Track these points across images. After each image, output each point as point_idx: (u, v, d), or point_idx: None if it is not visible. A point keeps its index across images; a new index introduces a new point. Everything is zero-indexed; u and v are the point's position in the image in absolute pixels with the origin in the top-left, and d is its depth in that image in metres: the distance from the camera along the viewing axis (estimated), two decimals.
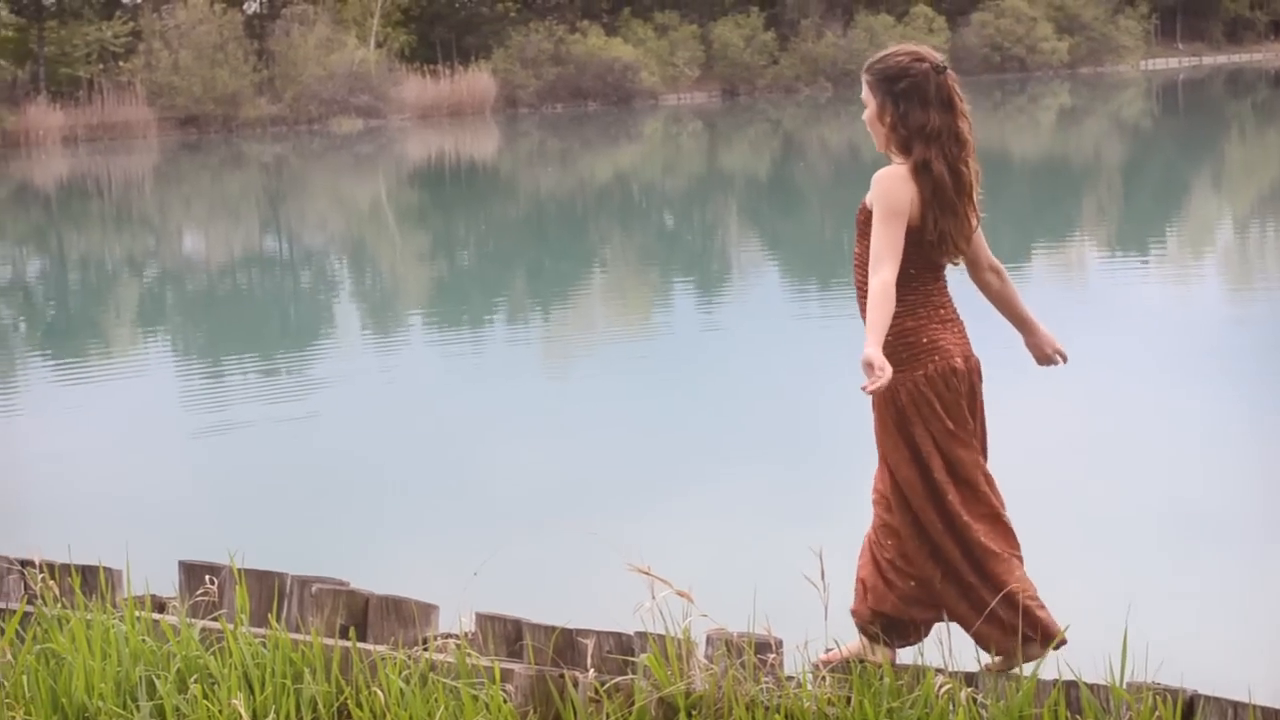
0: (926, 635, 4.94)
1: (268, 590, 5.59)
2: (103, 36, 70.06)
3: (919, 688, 4.66)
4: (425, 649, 5.20)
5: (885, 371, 4.45)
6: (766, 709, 4.71)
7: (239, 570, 5.59)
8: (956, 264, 4.94)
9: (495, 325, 18.73)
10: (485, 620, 5.25)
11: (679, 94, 74.16)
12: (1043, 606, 4.84)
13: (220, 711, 4.90)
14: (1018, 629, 4.76)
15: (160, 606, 5.78)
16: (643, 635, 5.02)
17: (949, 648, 4.90)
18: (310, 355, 17.58)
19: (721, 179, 40.06)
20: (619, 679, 4.91)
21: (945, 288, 4.88)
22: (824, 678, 4.82)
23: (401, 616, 5.37)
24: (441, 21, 76.47)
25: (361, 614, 5.43)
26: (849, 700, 4.68)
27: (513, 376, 14.98)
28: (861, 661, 4.84)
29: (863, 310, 4.78)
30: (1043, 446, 10.28)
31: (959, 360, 4.78)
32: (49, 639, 5.42)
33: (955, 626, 4.95)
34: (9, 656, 5.39)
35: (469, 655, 5.07)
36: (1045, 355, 5.15)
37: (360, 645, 5.21)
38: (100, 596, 5.72)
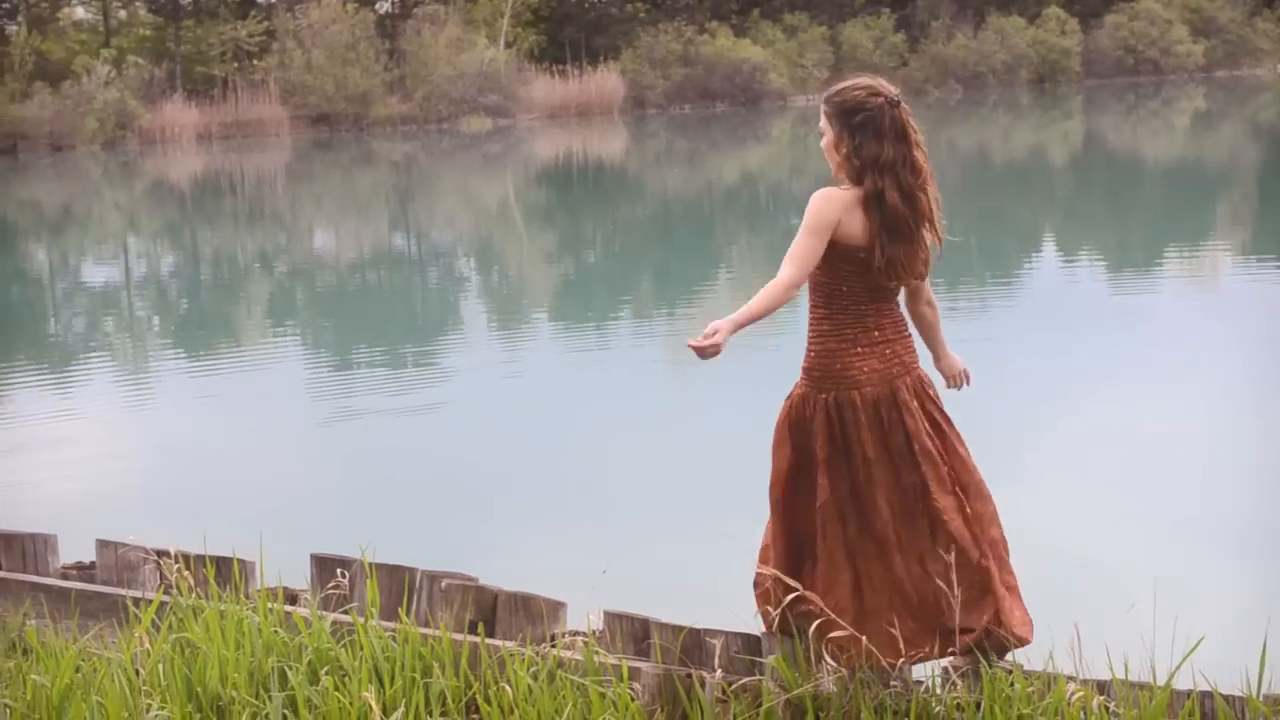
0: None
1: (398, 584, 5.64)
2: (237, 36, 71.01)
3: (1050, 695, 4.61)
4: (553, 646, 5.22)
5: (716, 338, 4.67)
6: (895, 713, 4.68)
7: (370, 564, 5.64)
8: (910, 284, 5.10)
9: (622, 324, 18.76)
10: (613, 618, 5.26)
11: (807, 95, 73.86)
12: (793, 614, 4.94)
13: (351, 704, 4.94)
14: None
15: (292, 599, 5.84)
16: (771, 637, 5.00)
17: (1079, 654, 4.84)
18: (438, 351, 17.70)
19: None
20: (746, 679, 4.91)
21: (886, 309, 5.04)
22: (954, 682, 4.79)
23: (530, 613, 5.39)
24: (571, 22, 76.71)
25: (490, 610, 5.45)
26: (979, 706, 4.64)
27: (641, 375, 14.98)
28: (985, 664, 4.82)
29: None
30: (1182, 458, 10.14)
31: (870, 389, 4.94)
32: (184, 628, 5.49)
33: (1082, 633, 4.90)
34: (145, 645, 5.47)
35: (597, 653, 5.09)
36: (954, 375, 5.42)
37: (489, 641, 5.24)
38: (234, 587, 5.79)
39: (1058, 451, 10.43)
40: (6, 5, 77.06)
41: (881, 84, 5.03)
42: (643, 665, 5.06)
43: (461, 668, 5.16)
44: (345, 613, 5.53)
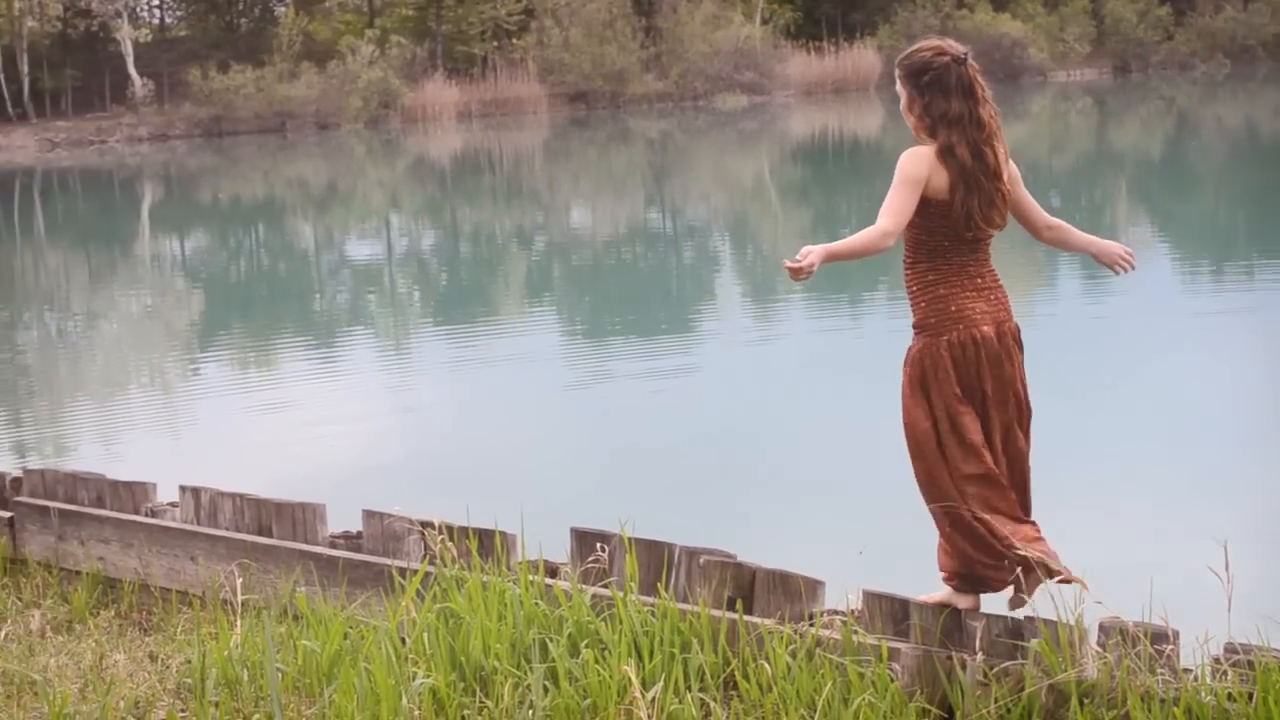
0: (1006, 585, 5.13)
1: (656, 560, 5.66)
2: (497, 15, 72.00)
3: None
4: (811, 624, 5.20)
5: (808, 260, 4.88)
6: (1162, 701, 4.57)
7: (629, 539, 5.68)
8: (991, 234, 5.21)
9: (879, 298, 18.62)
10: (873, 598, 5.23)
11: (1068, 71, 72.58)
12: (1030, 548, 5.01)
13: (610, 677, 4.98)
14: (1009, 574, 5.08)
15: (553, 571, 5.90)
16: (1033, 620, 4.93)
17: None
18: (694, 327, 17.77)
19: (1111, 158, 39.08)
20: (1008, 663, 4.84)
21: (983, 258, 5.21)
22: (1225, 671, 4.66)
23: (788, 591, 5.37)
24: None
25: (748, 587, 5.45)
26: (1251, 696, 4.51)
27: (901, 350, 14.87)
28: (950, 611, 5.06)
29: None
30: None
31: (986, 328, 5.11)
32: (448, 599, 5.59)
33: None
34: (411, 614, 5.58)
35: (855, 632, 5.06)
36: (1115, 261, 5.44)
37: (747, 618, 5.24)
38: (496, 559, 5.87)
39: None
40: None
41: (949, 44, 5.21)
42: (902, 646, 5.02)
43: (720, 644, 5.18)
44: (605, 587, 5.58)
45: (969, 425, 5.08)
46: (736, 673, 5.07)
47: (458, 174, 45.93)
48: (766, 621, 5.24)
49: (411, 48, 69.31)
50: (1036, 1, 73.35)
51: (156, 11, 79.38)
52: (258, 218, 37.38)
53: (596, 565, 5.73)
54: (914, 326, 5.21)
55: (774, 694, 4.92)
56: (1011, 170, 5.21)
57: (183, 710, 5.43)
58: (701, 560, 5.56)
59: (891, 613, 5.17)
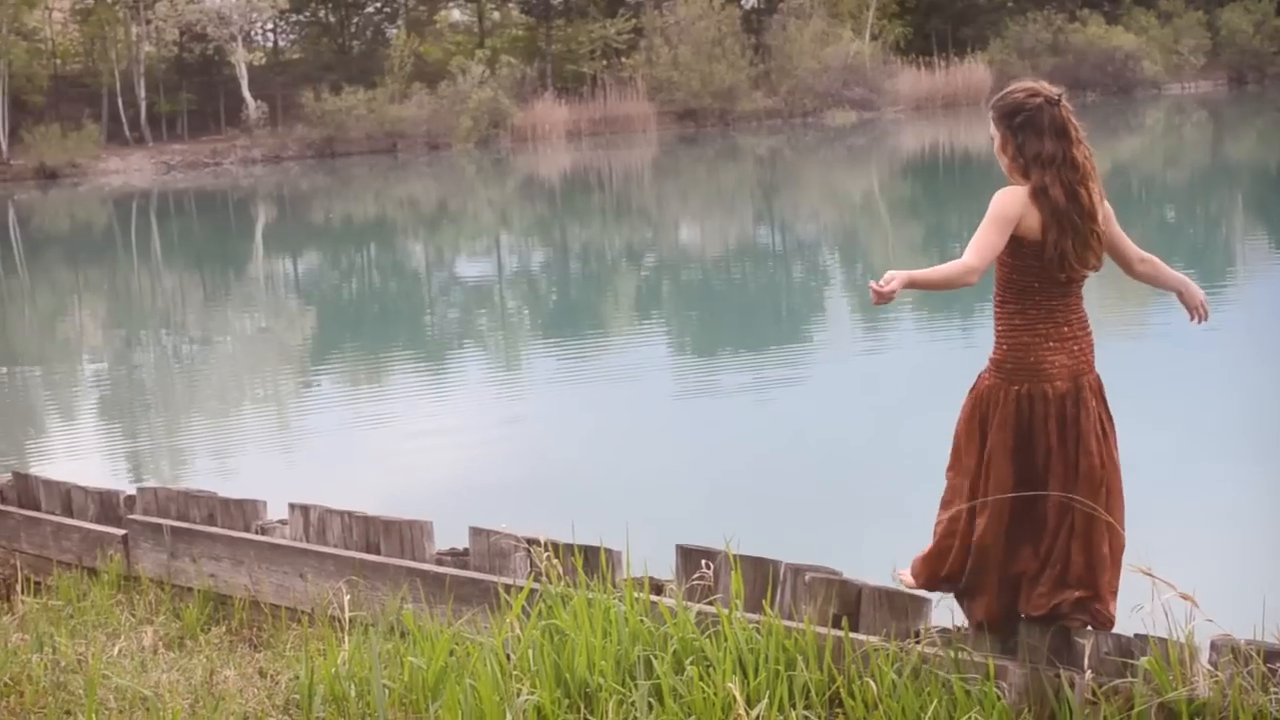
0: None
1: (761, 577, 5.64)
2: (606, 34, 72.29)
3: None
4: (917, 641, 5.16)
5: (890, 286, 4.88)
6: None
7: (734, 556, 5.66)
8: (1086, 276, 5.18)
9: (988, 315, 18.47)
10: None
11: (1182, 83, 71.78)
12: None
13: (715, 694, 4.97)
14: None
15: (658, 589, 5.89)
16: (1143, 638, 4.86)
17: None
18: (801, 343, 17.72)
19: (1226, 171, 38.58)
20: (1117, 681, 4.77)
21: (1073, 303, 5.18)
22: None
23: (894, 608, 5.33)
24: (937, 13, 75.96)
25: (854, 604, 5.42)
26: None
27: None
28: None
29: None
30: None
31: (1060, 383, 5.10)
32: (553, 615, 5.59)
33: None
34: (516, 630, 5.59)
35: (962, 650, 5.01)
36: (1196, 307, 5.40)
37: (852, 635, 5.21)
38: (601, 576, 5.87)
39: None
40: (387, 9, 79.93)
41: (1042, 85, 5.23)
42: (1009, 664, 4.97)
43: (825, 661, 5.15)
44: (710, 604, 5.56)
45: (1003, 479, 5.11)
46: (842, 690, 5.03)
47: (567, 192, 46.11)
48: (872, 639, 5.20)
49: (521, 67, 69.71)
50: (1150, 14, 72.56)
51: (270, 35, 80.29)
52: (369, 237, 37.70)
53: (702, 582, 5.72)
54: (990, 359, 5.25)
55: (879, 712, 4.88)
56: (1106, 210, 5.18)
57: None
58: (807, 577, 5.54)
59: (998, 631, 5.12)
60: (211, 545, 7.30)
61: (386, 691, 5.41)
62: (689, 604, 5.54)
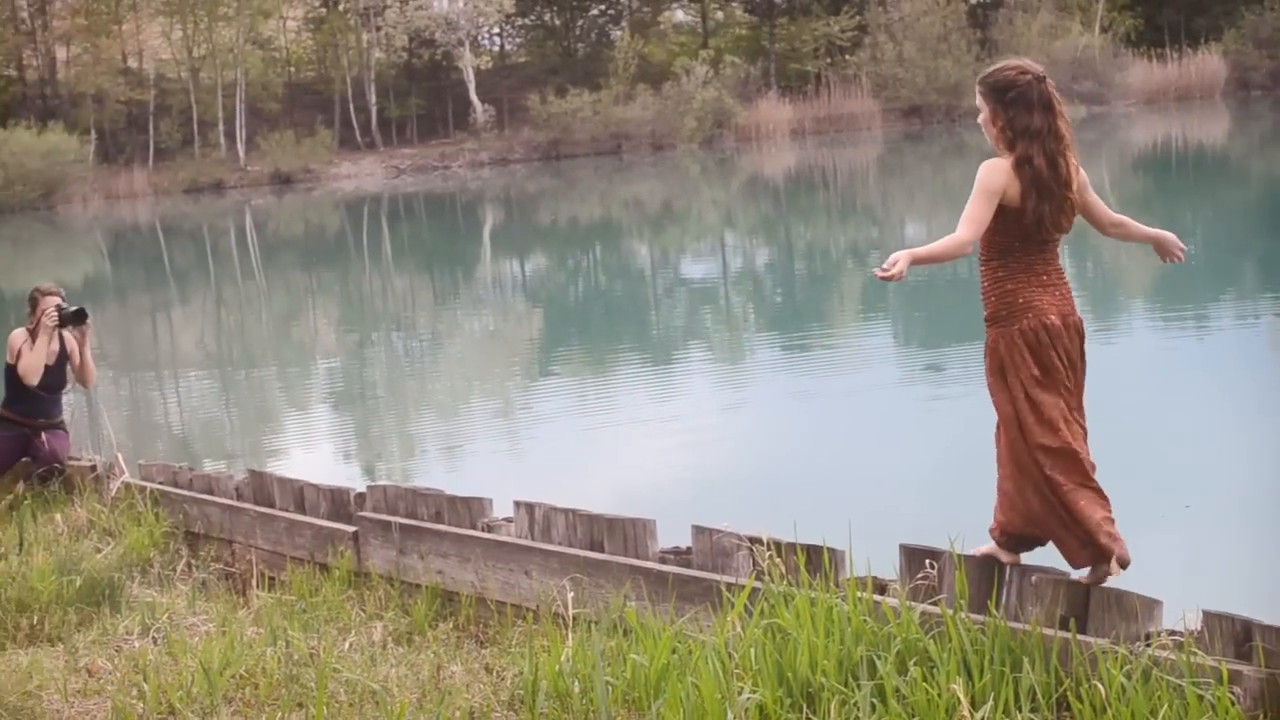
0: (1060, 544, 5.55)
1: (986, 577, 5.57)
2: (830, 31, 72.07)
3: None
4: (1148, 644, 5.04)
5: (896, 267, 5.36)
6: None
7: (958, 556, 5.60)
8: (1058, 237, 5.68)
9: (1224, 307, 18.05)
10: (1212, 618, 5.04)
11: None
12: (1108, 532, 5.38)
13: (939, 695, 4.91)
14: (1088, 548, 5.42)
15: (881, 588, 5.85)
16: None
17: None
18: None
19: None
20: None
21: (1050, 256, 5.68)
22: None
23: (1123, 609, 5.23)
24: (1170, 3, 74.40)
25: (1082, 605, 5.32)
26: None
27: (1238, 359, 14.39)
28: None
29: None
30: None
31: (1053, 317, 5.55)
32: (775, 614, 5.58)
33: None
34: (738, 629, 5.59)
35: (1194, 654, 4.89)
36: (1171, 251, 5.94)
37: (1080, 637, 5.12)
38: (824, 576, 5.84)
39: None
40: (611, 11, 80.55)
41: (1028, 63, 5.69)
42: (1244, 669, 4.83)
43: (1052, 663, 5.06)
44: (934, 604, 5.51)
45: (1045, 401, 5.51)
46: (1069, 693, 4.94)
47: (791, 191, 46.01)
48: (1101, 641, 5.10)
49: (745, 67, 69.79)
50: None
51: (497, 39, 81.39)
52: (594, 238, 38.01)
53: (925, 582, 5.66)
54: (986, 320, 5.67)
55: (1108, 716, 4.78)
56: (1081, 177, 5.68)
57: None
58: (1034, 578, 5.46)
59: (1233, 634, 4.98)
60: (439, 542, 7.42)
61: (609, 689, 5.44)
62: (912, 604, 5.49)
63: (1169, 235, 5.92)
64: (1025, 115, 5.56)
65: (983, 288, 5.69)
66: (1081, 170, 5.69)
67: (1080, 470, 5.47)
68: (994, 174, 5.53)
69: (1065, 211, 5.61)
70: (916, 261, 5.46)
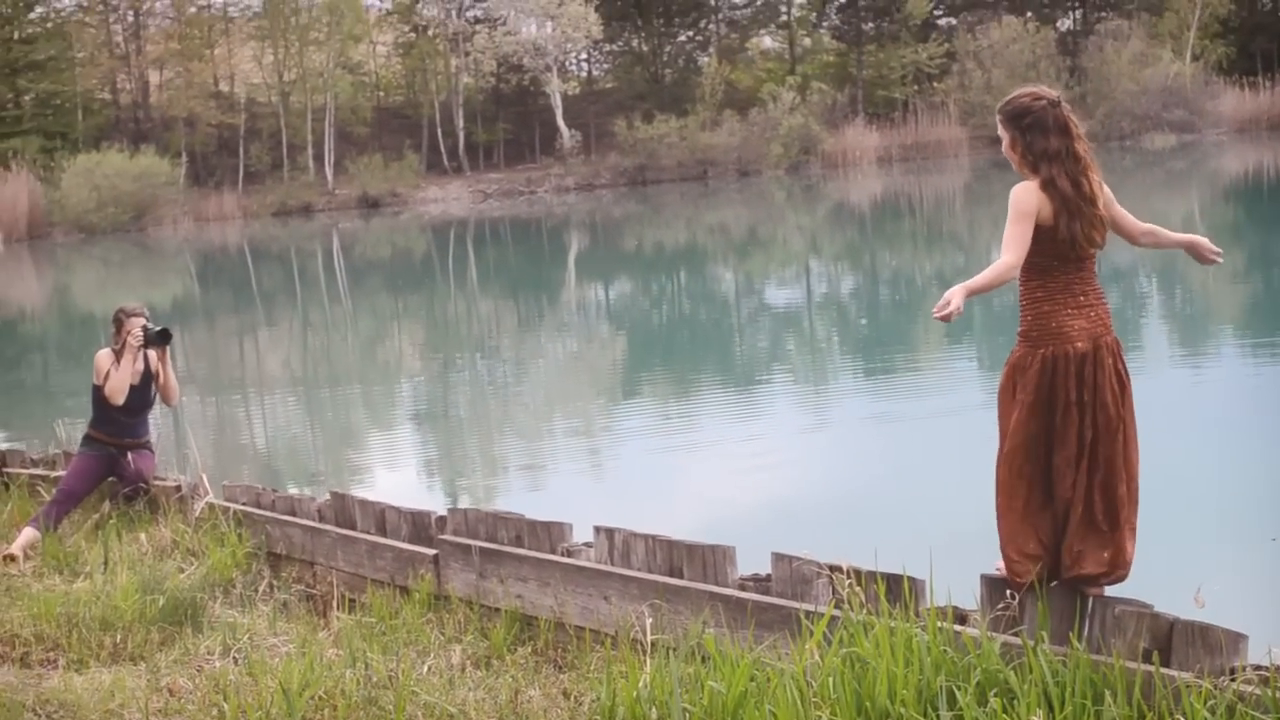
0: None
1: (1069, 608, 5.52)
2: (918, 59, 71.99)
3: None
4: (1232, 679, 4.98)
5: (952, 304, 5.44)
6: None
7: (1040, 587, 5.55)
8: (1093, 252, 5.77)
9: None
10: None
11: None
12: (1010, 559, 5.66)
13: None
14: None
15: (961, 618, 5.80)
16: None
17: None
18: None
19: None
20: None
21: (1088, 275, 5.78)
22: None
23: (1208, 643, 5.15)
24: (1262, 32, 73.81)
25: (1165, 638, 5.26)
26: None
27: None
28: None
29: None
30: None
31: (1080, 344, 5.66)
32: (854, 643, 5.54)
33: None
34: (816, 657, 5.56)
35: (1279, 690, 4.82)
36: (1205, 254, 5.99)
37: (1164, 670, 5.05)
38: (904, 605, 5.81)
39: None
40: (699, 38, 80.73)
41: (1043, 89, 5.86)
42: None
43: (1135, 697, 5.00)
44: (1015, 635, 5.46)
45: (1031, 430, 5.67)
46: None
47: (877, 218, 45.90)
48: (1184, 675, 5.04)
49: (832, 93, 69.77)
50: None
51: (584, 64, 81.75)
52: (679, 264, 38.04)
53: (1006, 613, 5.61)
54: (1018, 334, 5.81)
55: None
56: (1106, 194, 5.81)
57: None
58: (1117, 610, 5.39)
59: None
60: (519, 566, 7.42)
61: (687, 715, 5.42)
62: (993, 635, 5.44)
63: (1201, 239, 6.00)
64: (1042, 139, 5.73)
65: (1021, 305, 5.82)
66: (1105, 186, 5.82)
67: (1030, 499, 5.72)
68: (1026, 196, 5.69)
69: (1096, 227, 5.73)
70: (970, 294, 5.55)
